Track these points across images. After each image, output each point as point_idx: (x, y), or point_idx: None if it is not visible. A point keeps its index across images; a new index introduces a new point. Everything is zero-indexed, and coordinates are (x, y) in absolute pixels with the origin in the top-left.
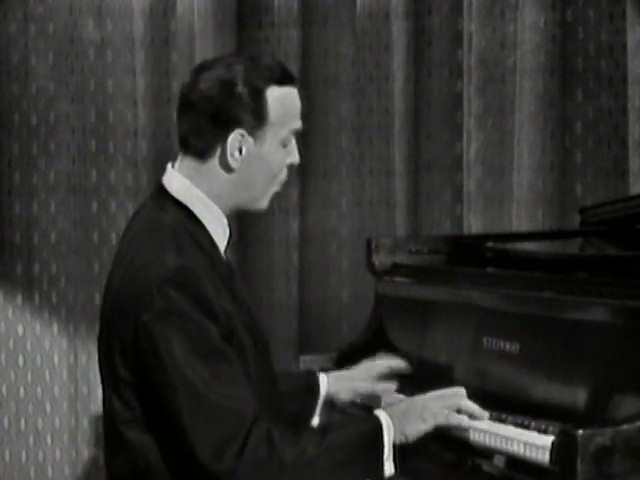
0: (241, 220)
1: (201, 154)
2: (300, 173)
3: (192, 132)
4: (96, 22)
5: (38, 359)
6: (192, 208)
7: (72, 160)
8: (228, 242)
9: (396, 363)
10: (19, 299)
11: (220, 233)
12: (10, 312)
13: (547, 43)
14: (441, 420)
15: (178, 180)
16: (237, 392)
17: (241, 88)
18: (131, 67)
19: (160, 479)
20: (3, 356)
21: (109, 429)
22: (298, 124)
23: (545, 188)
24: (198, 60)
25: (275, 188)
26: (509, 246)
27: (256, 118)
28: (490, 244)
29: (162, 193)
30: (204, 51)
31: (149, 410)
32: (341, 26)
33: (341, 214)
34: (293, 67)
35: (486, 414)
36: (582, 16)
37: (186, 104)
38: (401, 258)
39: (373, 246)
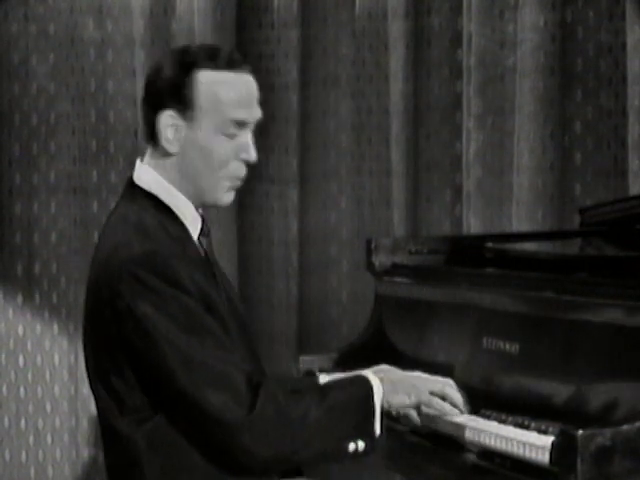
0: (241, 220)
1: (150, 140)
2: (300, 173)
3: (143, 119)
4: (96, 22)
5: (38, 359)
6: (160, 196)
7: (72, 160)
8: (202, 231)
9: None
10: (19, 299)
11: (190, 219)
12: (10, 312)
13: (547, 43)
14: (424, 401)
15: (145, 171)
16: (228, 355)
17: (170, 69)
18: (131, 67)
19: (152, 473)
20: (3, 356)
21: (103, 425)
22: (241, 114)
23: (545, 188)
24: None
25: (227, 182)
26: (509, 246)
27: (183, 100)
28: (490, 244)
29: (132, 187)
30: None
31: (149, 394)
32: (340, 26)
33: (341, 214)
34: (293, 67)
35: (465, 410)
36: (582, 16)
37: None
38: (401, 258)
39: (373, 246)
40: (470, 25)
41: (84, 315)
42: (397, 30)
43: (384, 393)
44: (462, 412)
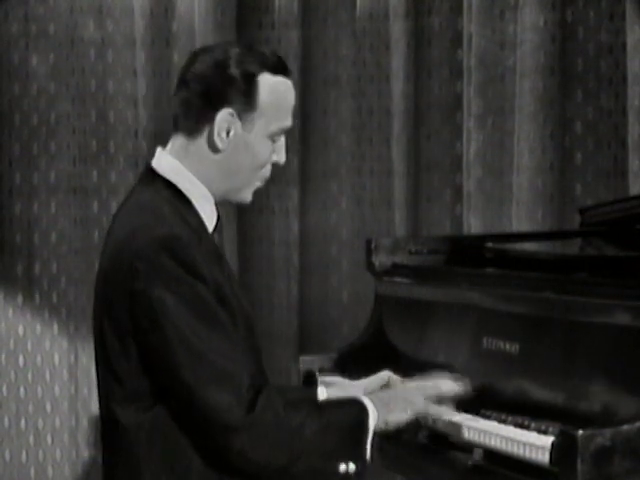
0: (241, 220)
1: (190, 132)
2: (300, 173)
3: (183, 110)
4: (97, 22)
5: (38, 359)
6: (180, 186)
7: (73, 160)
8: (216, 227)
9: (394, 379)
10: (19, 299)
11: (208, 212)
12: (10, 312)
13: (547, 43)
14: (420, 410)
15: (167, 160)
16: (234, 350)
17: (234, 69)
18: (132, 67)
19: (149, 465)
20: (3, 356)
21: (102, 412)
22: (289, 122)
23: (545, 188)
24: None
25: (258, 182)
26: (509, 246)
27: (246, 100)
28: (490, 244)
29: (150, 174)
30: None
31: (152, 381)
32: (341, 26)
33: (341, 214)
34: (293, 67)
35: (469, 387)
36: (582, 16)
37: (181, 84)
38: (401, 258)
39: (373, 246)
40: (470, 25)
41: (95, 298)
42: (398, 30)
43: (379, 415)
44: (468, 392)
